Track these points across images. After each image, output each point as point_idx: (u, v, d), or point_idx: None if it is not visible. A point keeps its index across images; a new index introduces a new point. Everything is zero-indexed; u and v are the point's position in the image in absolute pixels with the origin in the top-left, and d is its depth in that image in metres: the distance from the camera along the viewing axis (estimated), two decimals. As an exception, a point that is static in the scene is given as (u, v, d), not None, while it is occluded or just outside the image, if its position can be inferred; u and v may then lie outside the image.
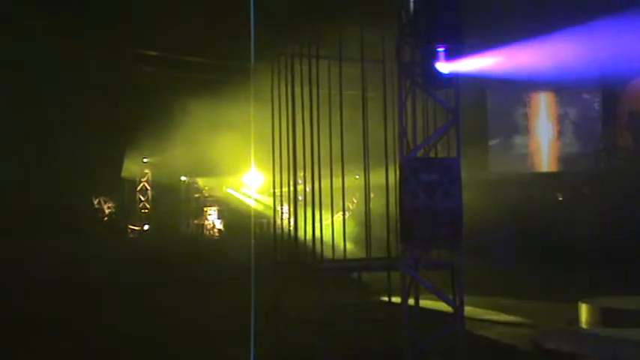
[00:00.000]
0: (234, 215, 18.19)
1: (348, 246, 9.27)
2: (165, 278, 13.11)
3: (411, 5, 6.99)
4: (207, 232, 18.50)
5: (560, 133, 17.18)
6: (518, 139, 17.20)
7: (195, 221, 18.72)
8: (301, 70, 8.39)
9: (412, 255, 7.19)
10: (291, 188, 8.91)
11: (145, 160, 18.44)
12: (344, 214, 9.16)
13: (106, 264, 13.26)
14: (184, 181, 19.10)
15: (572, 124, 17.20)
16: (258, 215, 16.80)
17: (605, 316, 7.33)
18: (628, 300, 7.63)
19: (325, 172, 8.81)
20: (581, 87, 17.00)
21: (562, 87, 17.03)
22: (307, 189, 8.94)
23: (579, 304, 7.83)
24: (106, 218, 17.77)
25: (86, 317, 10.02)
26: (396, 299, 8.11)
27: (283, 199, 9.42)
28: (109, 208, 17.93)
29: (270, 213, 12.50)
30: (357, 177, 9.79)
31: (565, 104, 17.29)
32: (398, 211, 7.43)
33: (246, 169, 17.17)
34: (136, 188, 18.67)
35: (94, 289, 11.99)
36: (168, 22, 12.10)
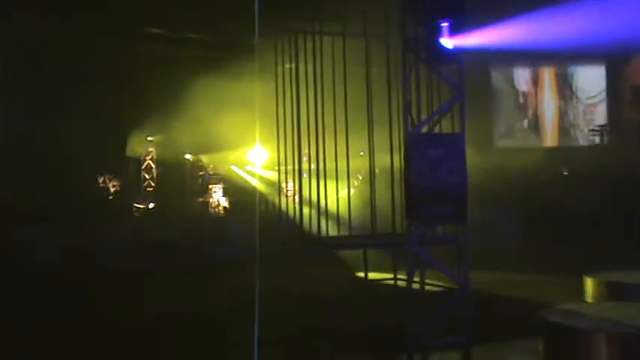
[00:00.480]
0: (239, 192, 18.22)
1: (354, 223, 9.28)
2: (170, 257, 13.17)
3: (415, -20, 6.93)
4: (213, 210, 18.56)
5: (565, 108, 17.09)
6: (522, 114, 17.13)
7: (200, 199, 18.77)
8: (305, 46, 8.35)
9: (417, 231, 7.21)
10: (296, 165, 8.93)
11: (149, 138, 18.44)
12: (349, 191, 9.17)
13: (112, 244, 13.30)
14: (189, 158, 19.12)
15: (577, 98, 17.11)
16: (264, 192, 16.83)
17: (610, 290, 7.36)
18: (632, 274, 7.66)
19: (330, 148, 8.81)
20: (586, 61, 16.89)
21: (567, 62, 16.92)
22: (312, 166, 8.94)
23: (584, 278, 7.86)
24: (111, 197, 17.83)
25: (90, 299, 9.98)
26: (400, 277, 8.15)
27: (288, 176, 9.44)
28: (114, 186, 17.98)
29: (276, 190, 12.52)
30: (362, 153, 9.79)
31: (570, 79, 17.18)
32: (403, 187, 7.43)
33: (251, 146, 17.16)
34: (141, 166, 18.71)
35: (100, 269, 12.03)
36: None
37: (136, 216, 17.73)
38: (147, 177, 18.76)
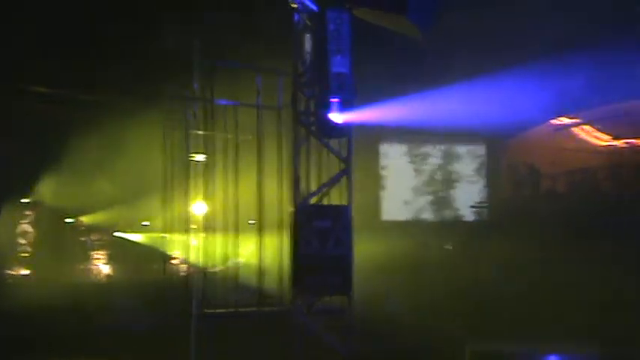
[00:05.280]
0: (124, 260, 17.48)
1: (241, 293, 9.10)
2: (42, 329, 12.22)
3: (307, 57, 7.18)
4: (94, 277, 17.64)
5: (447, 185, 17.96)
6: (409, 189, 17.80)
7: (81, 266, 17.80)
8: (195, 113, 8.33)
9: (304, 301, 7.20)
10: (184, 233, 8.72)
11: (26, 200, 17.43)
12: (237, 262, 9.03)
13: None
14: (70, 223, 18.19)
15: (459, 176, 18.05)
16: (149, 260, 16.23)
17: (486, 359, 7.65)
18: (506, 344, 8.05)
19: (220, 216, 8.69)
20: (468, 140, 17.97)
21: (450, 140, 17.90)
22: (201, 234, 8.76)
23: (466, 349, 8.13)
24: (-20, 262, 16.51)
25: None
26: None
27: (175, 244, 9.18)
28: (-17, 251, 16.69)
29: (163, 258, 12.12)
30: (252, 222, 9.71)
31: (452, 157, 18.15)
32: (291, 257, 7.42)
33: (137, 212, 16.61)
34: (16, 231, 17.57)
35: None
36: (55, 57, 11.63)
37: (9, 282, 16.49)
38: (22, 242, 17.62)
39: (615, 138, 17.61)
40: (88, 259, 17.96)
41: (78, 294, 14.81)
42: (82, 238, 18.16)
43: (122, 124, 11.48)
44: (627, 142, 17.39)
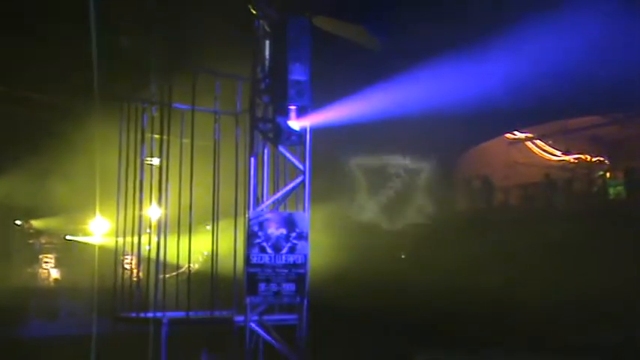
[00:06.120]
0: (74, 264, 17.06)
1: (194, 299, 8.99)
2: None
3: (266, 63, 7.20)
4: (42, 282, 17.16)
5: (404, 197, 18.13)
6: (364, 199, 17.92)
7: (29, 269, 17.29)
8: (152, 117, 8.22)
9: (258, 309, 7.18)
10: (136, 238, 8.58)
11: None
12: (190, 267, 8.92)
13: None
14: (19, 225, 17.66)
15: (416, 187, 18.25)
16: (101, 265, 15.88)
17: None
18: (452, 354, 8.22)
19: (174, 221, 8.60)
20: (424, 151, 18.17)
21: (407, 150, 18.08)
22: (154, 239, 8.64)
23: (416, 357, 8.23)
24: None
25: None
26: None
27: (127, 247, 9.01)
28: None
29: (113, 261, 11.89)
30: (208, 227, 9.64)
31: (408, 167, 18.33)
32: (245, 264, 7.39)
33: (90, 215, 16.27)
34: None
35: None
36: (8, 55, 11.35)
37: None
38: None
39: (565, 153, 18.19)
40: (36, 262, 17.46)
41: (21, 298, 14.40)
42: (31, 241, 17.65)
43: (76, 125, 11.23)
44: (577, 158, 17.96)
